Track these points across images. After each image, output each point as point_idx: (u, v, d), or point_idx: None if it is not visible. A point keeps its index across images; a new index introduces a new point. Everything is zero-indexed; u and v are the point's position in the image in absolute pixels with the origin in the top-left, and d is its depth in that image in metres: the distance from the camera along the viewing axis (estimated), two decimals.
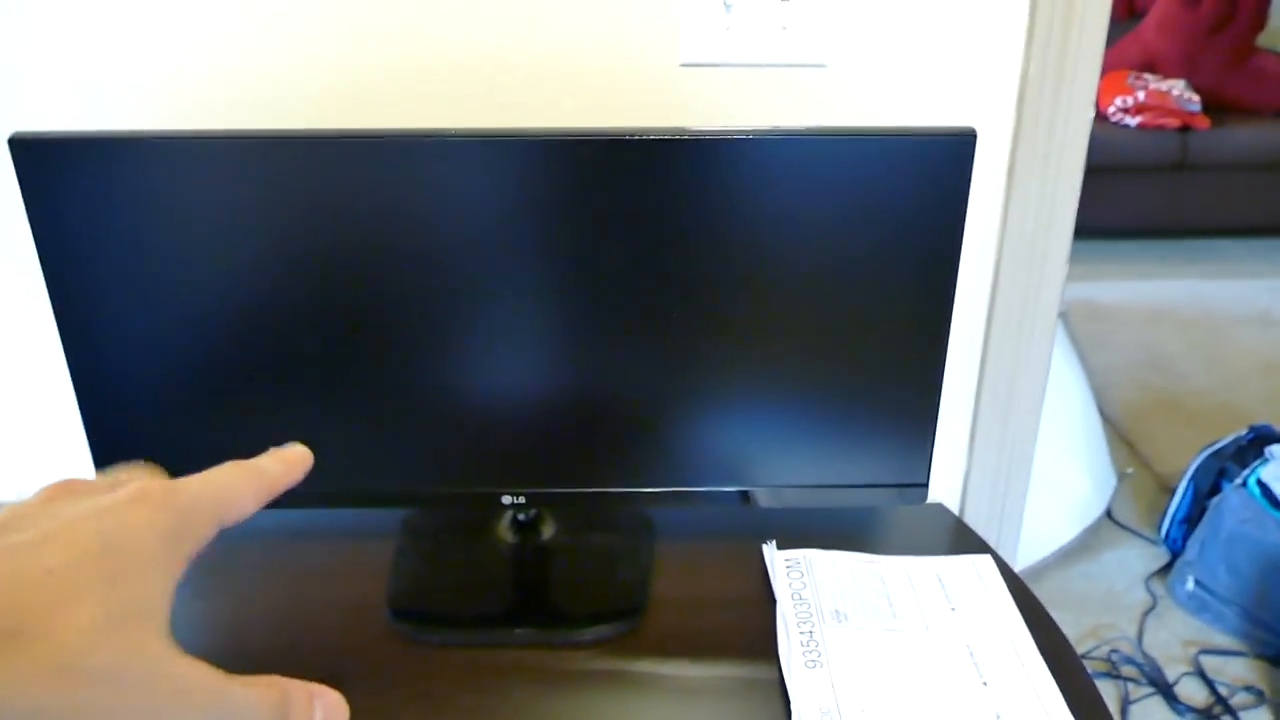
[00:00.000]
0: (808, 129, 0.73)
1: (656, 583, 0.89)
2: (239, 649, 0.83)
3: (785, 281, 0.77)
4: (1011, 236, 0.91)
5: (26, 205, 0.75)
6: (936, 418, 0.82)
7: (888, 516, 0.98)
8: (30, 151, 0.74)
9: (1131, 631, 1.86)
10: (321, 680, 0.78)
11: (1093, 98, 0.86)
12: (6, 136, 0.73)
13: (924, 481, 0.84)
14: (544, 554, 0.93)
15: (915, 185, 0.74)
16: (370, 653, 0.83)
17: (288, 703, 0.39)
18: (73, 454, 1.03)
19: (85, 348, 0.80)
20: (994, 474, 1.01)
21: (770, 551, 0.91)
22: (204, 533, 0.40)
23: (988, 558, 0.90)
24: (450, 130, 0.73)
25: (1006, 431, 0.99)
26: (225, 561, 0.94)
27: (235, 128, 0.75)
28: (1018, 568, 0.97)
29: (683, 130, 0.72)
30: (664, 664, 0.81)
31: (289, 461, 0.47)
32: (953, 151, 0.73)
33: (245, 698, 0.38)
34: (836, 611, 0.83)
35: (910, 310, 0.78)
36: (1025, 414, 0.99)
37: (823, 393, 0.81)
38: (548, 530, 0.95)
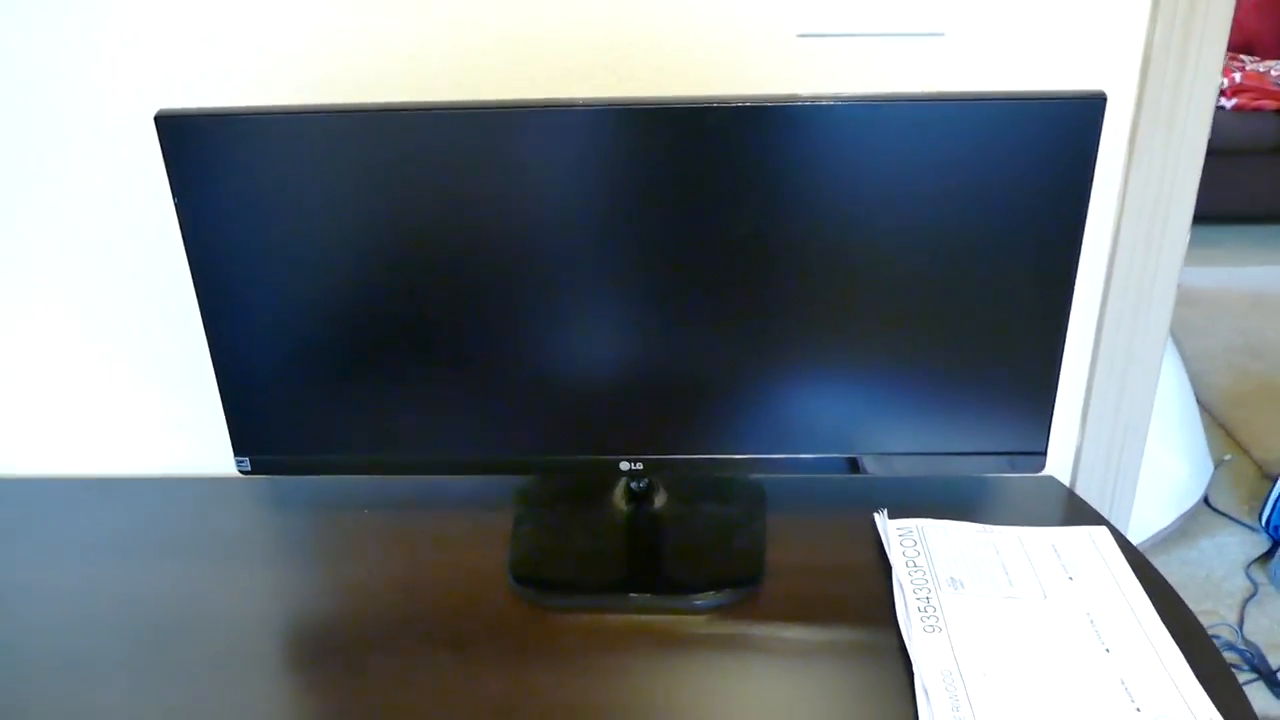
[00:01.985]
0: (930, 94, 0.74)
1: (770, 551, 0.91)
2: (370, 615, 0.86)
3: (902, 249, 0.77)
4: (1131, 207, 0.90)
5: (171, 181, 0.79)
6: (1057, 384, 0.82)
7: (997, 488, 0.98)
8: (176, 127, 0.78)
9: (1233, 618, 1.82)
10: (448, 644, 0.82)
11: (1220, 66, 0.85)
12: (149, 115, 0.77)
13: (1042, 450, 0.84)
14: (658, 523, 0.95)
15: (1041, 151, 0.74)
16: (494, 617, 0.85)
17: None
18: (210, 423, 1.08)
19: (222, 319, 0.84)
20: (1107, 449, 1.00)
21: (882, 521, 0.92)
22: None
23: (1104, 529, 0.90)
24: (569, 100, 0.75)
25: (1121, 406, 0.98)
26: (353, 530, 0.97)
27: (363, 102, 0.78)
28: None
29: (797, 96, 0.73)
30: (781, 629, 0.82)
31: None
32: (1080, 115, 0.73)
33: None
34: (952, 579, 0.84)
35: (1031, 276, 0.78)
36: (1141, 389, 0.97)
37: (937, 360, 0.82)
38: (660, 500, 0.97)
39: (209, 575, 0.92)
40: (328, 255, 0.81)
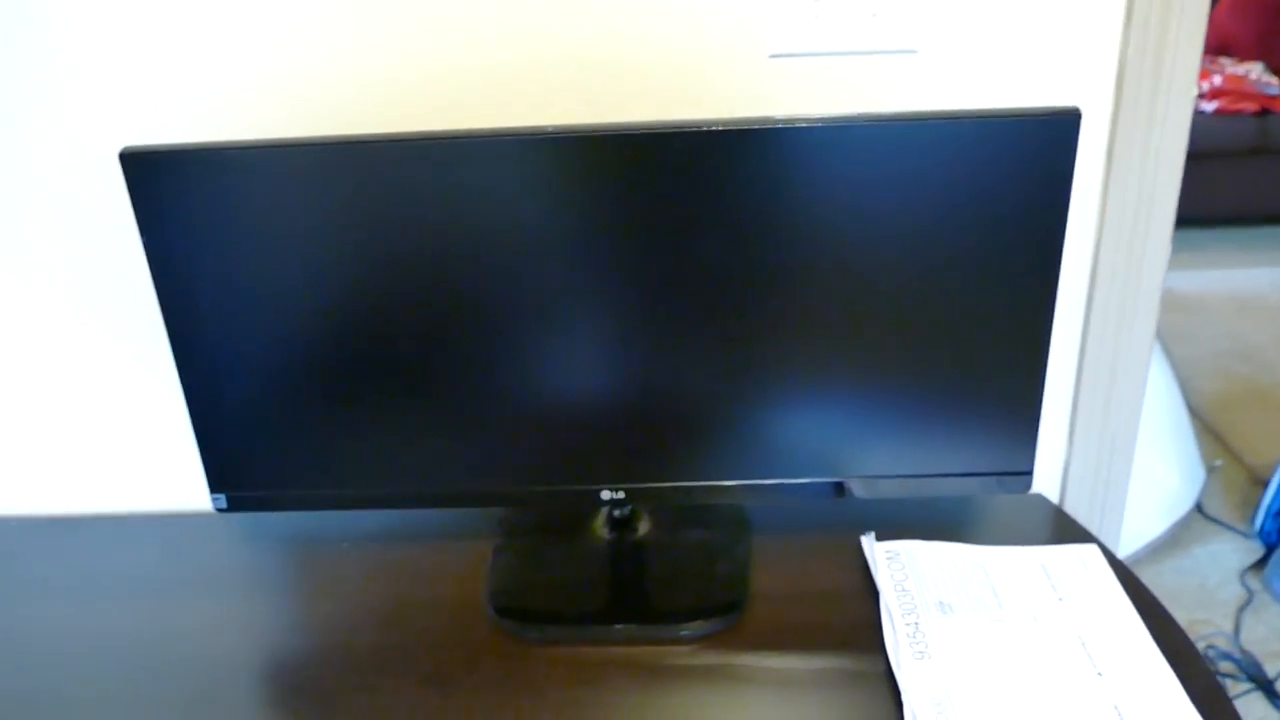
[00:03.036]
0: (904, 113, 0.73)
1: (755, 577, 0.89)
2: (350, 647, 0.85)
3: (882, 270, 0.76)
4: (1112, 219, 0.89)
5: (138, 217, 0.77)
6: (1040, 402, 0.80)
7: (985, 507, 0.96)
8: (141, 164, 0.76)
9: (1228, 627, 1.81)
10: (428, 679, 0.80)
11: (1195, 76, 0.84)
12: (114, 151, 0.75)
13: (1028, 469, 0.83)
14: (640, 550, 0.93)
15: (1017, 168, 0.73)
16: (475, 650, 0.84)
17: None
18: (185, 456, 1.06)
19: (194, 356, 0.82)
20: (1095, 464, 0.99)
21: (869, 543, 0.90)
22: None
23: (1094, 547, 0.89)
24: (540, 128, 0.74)
25: (1108, 420, 0.97)
26: (330, 565, 0.96)
27: (331, 134, 0.76)
28: None
29: (772, 119, 0.72)
30: (767, 657, 0.80)
31: None
32: (1056, 131, 0.72)
33: None
34: (941, 603, 0.82)
35: (1011, 294, 0.77)
36: (1127, 403, 0.96)
37: (920, 381, 0.80)
38: (643, 527, 0.95)
39: (183, 614, 0.90)
40: (299, 289, 0.79)
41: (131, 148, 0.76)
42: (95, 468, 1.07)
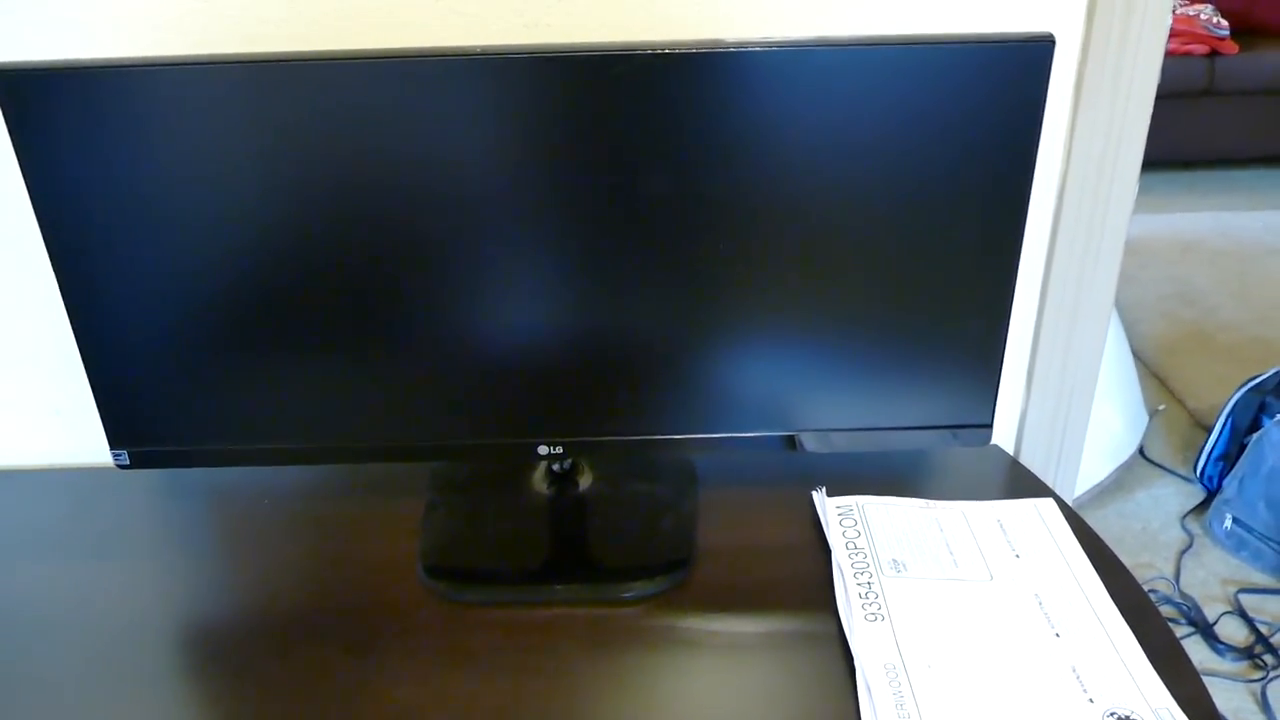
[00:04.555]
0: (864, 38, 0.67)
1: (702, 533, 0.85)
2: (269, 611, 0.79)
3: (838, 206, 0.71)
4: (1079, 157, 0.84)
5: (13, 142, 0.69)
6: (1003, 352, 0.76)
7: (939, 460, 0.93)
8: (13, 83, 0.68)
9: (1169, 571, 1.83)
10: (353, 646, 0.75)
11: (1169, 8, 0.79)
12: None
13: (988, 422, 0.79)
14: (582, 505, 0.88)
15: (986, 97, 0.67)
16: (404, 614, 0.78)
17: None
18: (91, 411, 0.99)
19: (87, 299, 0.75)
20: (1053, 412, 0.96)
21: (820, 499, 0.86)
22: None
23: (1050, 501, 0.86)
24: (472, 49, 0.67)
25: (1067, 366, 0.94)
26: (253, 521, 0.90)
27: (235, 52, 0.68)
28: None
29: (723, 42, 0.66)
30: (715, 619, 0.76)
31: None
32: (1027, 59, 0.66)
33: None
34: (894, 561, 0.79)
35: (977, 235, 0.72)
36: (1088, 350, 0.93)
37: (877, 327, 0.76)
38: (585, 480, 0.90)
39: (87, 574, 0.84)
40: (206, 224, 0.72)
41: (3, 64, 0.67)
42: None
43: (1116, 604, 0.75)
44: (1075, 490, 1.88)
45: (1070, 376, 0.94)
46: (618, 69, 0.67)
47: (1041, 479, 0.91)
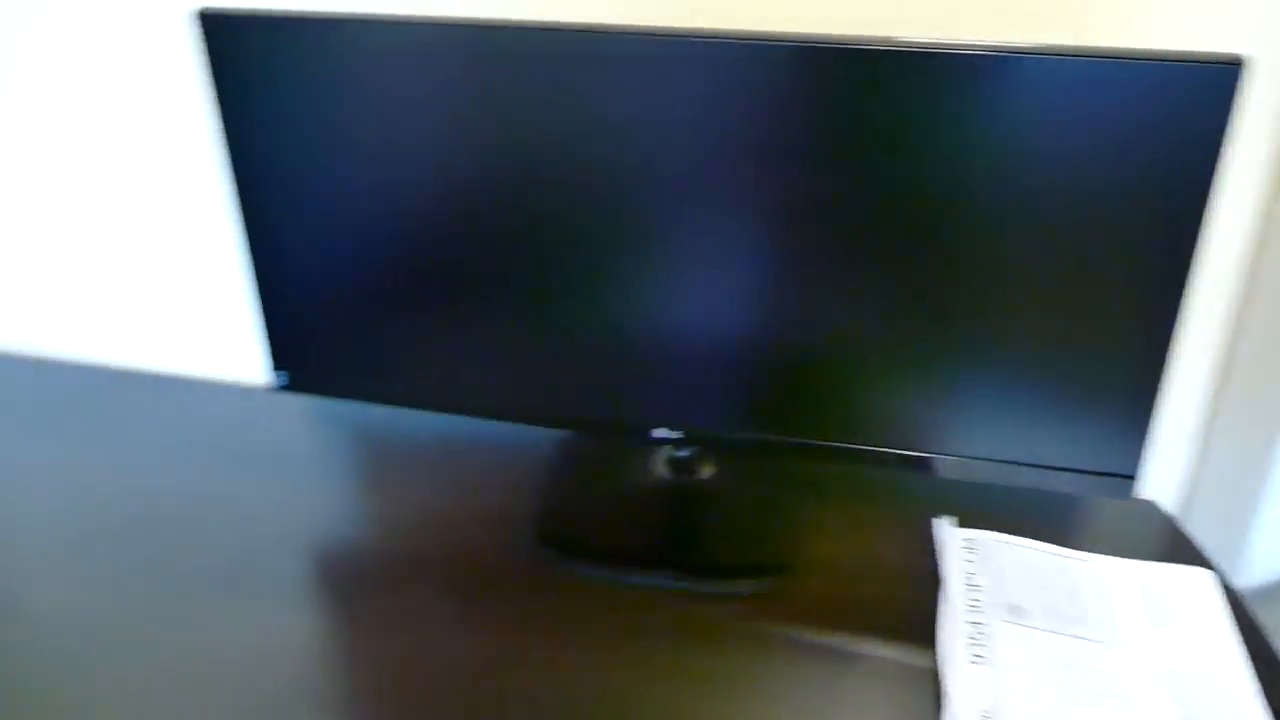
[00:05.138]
0: (1050, 48, 0.62)
1: (812, 542, 0.82)
2: (382, 550, 0.82)
3: (1005, 226, 0.66)
4: None
5: (213, 83, 0.75)
6: (1155, 398, 0.69)
7: (1084, 507, 0.86)
8: (220, 27, 0.73)
9: None
10: (454, 586, 0.77)
11: None
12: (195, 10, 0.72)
13: (1132, 473, 0.72)
14: (698, 496, 0.87)
15: (1161, 122, 0.61)
16: (509, 569, 0.80)
17: None
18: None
19: (261, 233, 0.80)
20: (1234, 478, 0.87)
21: (945, 528, 0.81)
22: None
23: (1208, 573, 0.77)
24: (669, 29, 0.66)
25: (1254, 428, 0.84)
26: (388, 459, 0.94)
27: (434, 13, 0.71)
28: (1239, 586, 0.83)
29: (932, 43, 0.62)
30: (808, 631, 0.74)
31: None
32: (1210, 83, 0.60)
33: None
34: (1013, 605, 0.74)
35: (1140, 266, 0.66)
36: None
37: (1030, 358, 0.71)
38: (706, 471, 0.89)
39: (232, 483, 0.90)
40: (374, 178, 0.75)
41: (212, 7, 0.73)
42: (169, 328, 1.08)
43: (1268, 705, 0.67)
44: (1248, 574, 1.70)
45: (1257, 437, 0.85)
46: (808, 62, 0.64)
47: (1205, 551, 0.82)
